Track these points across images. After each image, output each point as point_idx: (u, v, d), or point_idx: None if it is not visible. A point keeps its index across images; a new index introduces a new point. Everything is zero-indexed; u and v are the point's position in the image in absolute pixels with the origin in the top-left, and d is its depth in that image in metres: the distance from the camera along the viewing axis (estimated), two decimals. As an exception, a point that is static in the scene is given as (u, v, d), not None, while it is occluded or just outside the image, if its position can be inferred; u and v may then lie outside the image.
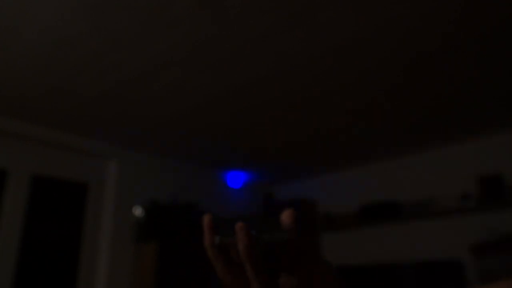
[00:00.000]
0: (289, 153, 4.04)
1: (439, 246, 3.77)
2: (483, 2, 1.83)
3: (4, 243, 2.96)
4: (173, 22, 1.95)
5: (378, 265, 3.96)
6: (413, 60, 2.34)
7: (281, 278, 0.44)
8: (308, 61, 2.33)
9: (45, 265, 3.16)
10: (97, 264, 3.43)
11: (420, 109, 3.03)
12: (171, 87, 2.62)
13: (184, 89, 2.66)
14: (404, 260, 3.94)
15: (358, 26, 2.00)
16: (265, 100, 2.84)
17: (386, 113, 3.10)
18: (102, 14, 1.88)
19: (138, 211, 3.64)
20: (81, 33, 2.02)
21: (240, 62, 2.33)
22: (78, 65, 2.33)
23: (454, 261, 3.51)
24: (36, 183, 3.25)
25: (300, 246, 0.44)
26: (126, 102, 2.82)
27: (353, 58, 2.31)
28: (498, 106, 3.02)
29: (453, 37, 2.11)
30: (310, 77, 2.52)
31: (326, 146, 3.86)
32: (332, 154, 4.11)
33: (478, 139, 3.73)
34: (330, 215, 4.52)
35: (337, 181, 4.74)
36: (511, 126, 3.43)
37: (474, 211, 3.59)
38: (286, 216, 0.45)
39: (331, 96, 2.80)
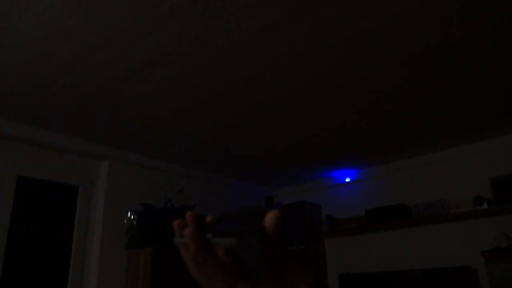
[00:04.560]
0: (291, 156, 4.02)
1: (450, 252, 3.74)
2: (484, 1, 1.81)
3: (-9, 249, 2.93)
4: (168, 17, 1.92)
5: (385, 272, 3.93)
6: (423, 57, 2.33)
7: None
8: (309, 61, 2.33)
9: (33, 270, 3.15)
10: (87, 270, 3.43)
11: (430, 108, 3.01)
12: (165, 87, 2.62)
13: (181, 88, 2.65)
14: (413, 266, 3.90)
15: (357, 23, 1.98)
16: (265, 100, 2.84)
17: (394, 113, 3.08)
18: (95, 8, 1.85)
19: (131, 215, 3.61)
20: (71, 29, 2.00)
21: (239, 61, 2.33)
22: (68, 61, 2.32)
23: (466, 267, 3.47)
24: (23, 184, 3.22)
25: (285, 251, 0.46)
26: (119, 101, 2.82)
27: (355, 57, 2.31)
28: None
29: (464, 31, 2.09)
30: (312, 77, 2.52)
31: (330, 148, 3.84)
32: (336, 156, 4.08)
33: (491, 139, 3.71)
34: (334, 219, 4.48)
35: (342, 184, 4.71)
36: (525, 125, 3.40)
37: (487, 215, 3.57)
38: (269, 219, 0.45)
39: (334, 96, 2.78)
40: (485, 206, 3.48)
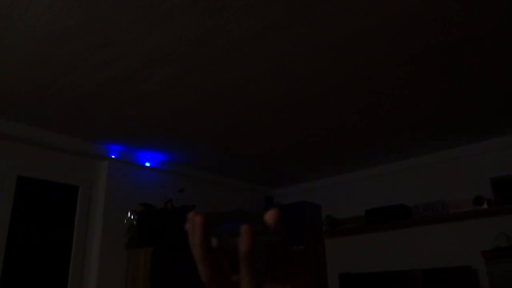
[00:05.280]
0: (291, 156, 4.01)
1: (450, 252, 3.73)
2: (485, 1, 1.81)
3: (-9, 249, 2.93)
4: (168, 17, 1.92)
5: (385, 272, 3.91)
6: (423, 57, 2.32)
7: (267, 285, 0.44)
8: (309, 61, 2.33)
9: (33, 270, 3.14)
10: (87, 270, 3.42)
11: (430, 108, 3.00)
12: (165, 87, 2.61)
13: (181, 88, 2.64)
14: (413, 266, 3.90)
15: (357, 23, 1.98)
16: (265, 100, 2.82)
17: (394, 113, 3.07)
18: (95, 8, 1.85)
19: (131, 215, 3.61)
20: (71, 29, 2.00)
21: (239, 61, 2.31)
22: (68, 61, 2.31)
23: (466, 267, 3.46)
24: (23, 184, 3.21)
25: (286, 251, 0.45)
26: (119, 101, 2.81)
27: (355, 57, 2.29)
28: (512, 104, 2.99)
29: (464, 31, 2.08)
30: (312, 77, 2.51)
31: (330, 148, 3.82)
32: (337, 156, 4.07)
33: (491, 139, 3.70)
34: (334, 219, 4.47)
35: (342, 184, 4.70)
36: (525, 125, 3.40)
37: (487, 215, 3.56)
38: (270, 217, 0.44)
39: (334, 96, 2.77)
40: (485, 206, 3.48)
